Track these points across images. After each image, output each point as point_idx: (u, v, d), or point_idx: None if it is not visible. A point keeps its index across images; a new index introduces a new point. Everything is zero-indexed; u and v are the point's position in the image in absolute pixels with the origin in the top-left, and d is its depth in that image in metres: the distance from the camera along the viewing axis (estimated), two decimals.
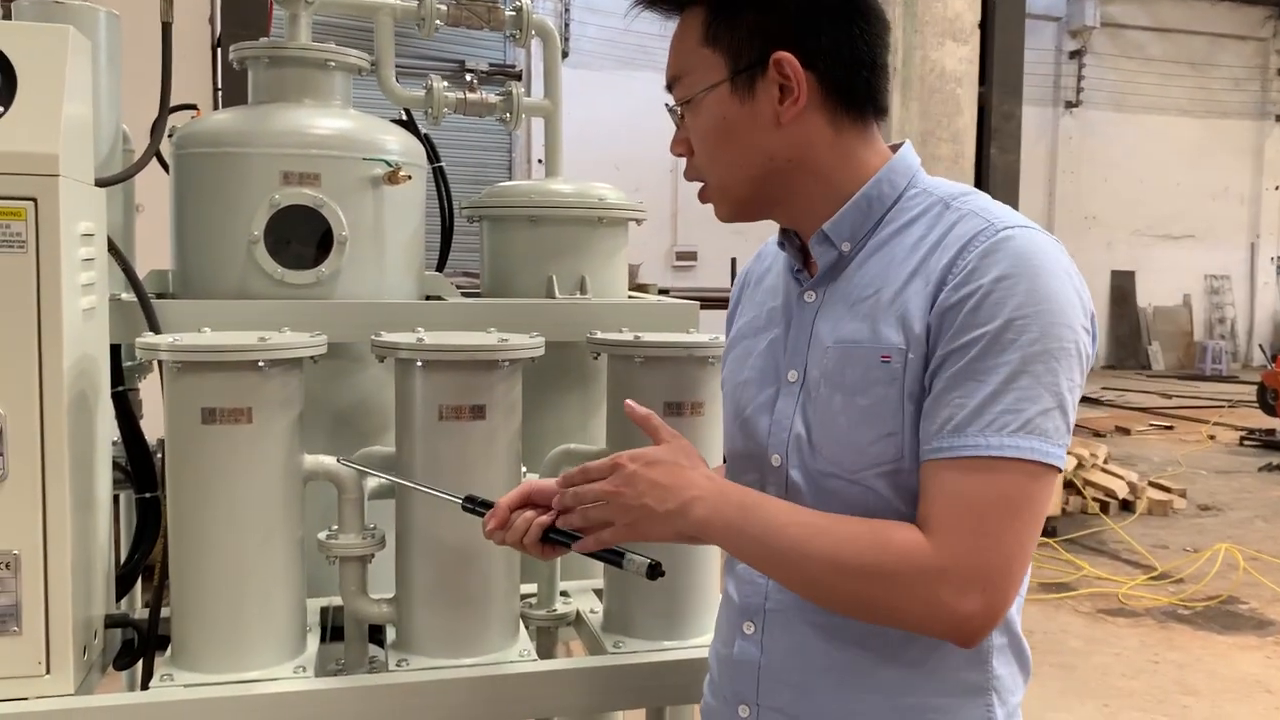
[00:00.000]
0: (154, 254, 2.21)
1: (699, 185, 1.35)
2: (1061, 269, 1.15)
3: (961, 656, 1.22)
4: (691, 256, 12.65)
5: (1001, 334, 1.11)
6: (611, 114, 11.60)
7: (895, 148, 1.32)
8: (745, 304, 1.46)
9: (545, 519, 1.37)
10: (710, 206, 1.37)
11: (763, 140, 1.25)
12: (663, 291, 6.67)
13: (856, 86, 1.25)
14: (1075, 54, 16.25)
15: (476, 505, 1.45)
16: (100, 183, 1.75)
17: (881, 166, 1.28)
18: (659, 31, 1.38)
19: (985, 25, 7.45)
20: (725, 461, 1.56)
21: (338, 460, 1.71)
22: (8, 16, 1.99)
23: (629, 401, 1.39)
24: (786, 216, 1.33)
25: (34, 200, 1.48)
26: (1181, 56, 16.95)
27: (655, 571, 1.30)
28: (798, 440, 1.26)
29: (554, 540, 1.37)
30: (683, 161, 1.35)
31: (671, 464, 1.26)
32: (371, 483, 1.79)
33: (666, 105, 1.33)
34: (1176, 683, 4.81)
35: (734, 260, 11.41)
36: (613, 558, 1.33)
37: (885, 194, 1.27)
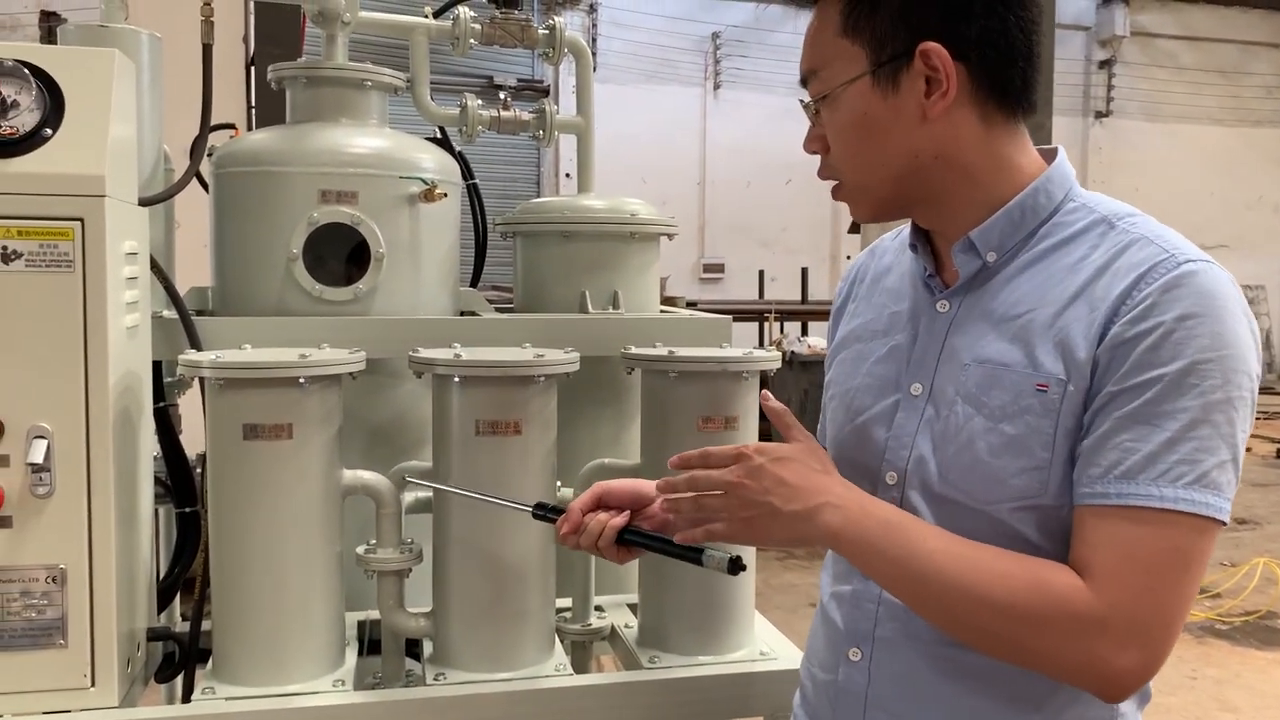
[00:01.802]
0: (189, 270, 2.24)
1: (826, 184, 1.26)
2: (1241, 309, 1.09)
3: (1086, 697, 1.14)
4: (719, 269, 12.65)
5: (1183, 378, 1.05)
6: (638, 127, 11.64)
7: (1047, 153, 1.24)
8: (860, 302, 1.39)
9: (619, 520, 1.34)
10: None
11: (907, 137, 1.17)
12: (690, 304, 6.69)
13: (1011, 80, 1.17)
14: (1105, 63, 16.14)
15: (547, 512, 1.45)
16: (144, 202, 1.78)
17: (1035, 172, 1.20)
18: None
19: None
20: None
21: (405, 478, 1.71)
22: (51, 39, 2.03)
23: (764, 393, 1.30)
24: (927, 217, 1.25)
25: (81, 220, 1.51)
26: (1213, 65, 16.80)
27: (736, 566, 1.26)
28: (920, 461, 1.19)
29: (629, 541, 1.34)
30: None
31: (803, 463, 1.17)
32: (408, 497, 1.80)
33: (801, 101, 1.25)
34: (1215, 699, 4.74)
35: (761, 272, 11.41)
36: (691, 555, 1.28)
37: (1041, 205, 1.19)
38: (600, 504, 1.37)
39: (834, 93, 1.20)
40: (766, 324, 9.56)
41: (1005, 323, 1.17)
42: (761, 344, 9.01)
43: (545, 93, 10.58)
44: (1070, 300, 1.13)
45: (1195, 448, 1.04)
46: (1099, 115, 16.61)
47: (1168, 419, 1.05)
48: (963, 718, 1.19)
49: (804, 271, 10.78)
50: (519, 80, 11.09)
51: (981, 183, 1.20)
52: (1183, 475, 1.04)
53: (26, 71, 1.51)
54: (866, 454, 1.26)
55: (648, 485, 1.42)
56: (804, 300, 10.45)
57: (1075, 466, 1.10)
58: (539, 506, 1.46)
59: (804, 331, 9.72)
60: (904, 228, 1.37)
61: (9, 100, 1.50)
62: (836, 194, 1.27)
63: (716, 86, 12.67)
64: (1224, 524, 1.06)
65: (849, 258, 12.40)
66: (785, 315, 9.84)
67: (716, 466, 1.20)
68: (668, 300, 4.06)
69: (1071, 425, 1.10)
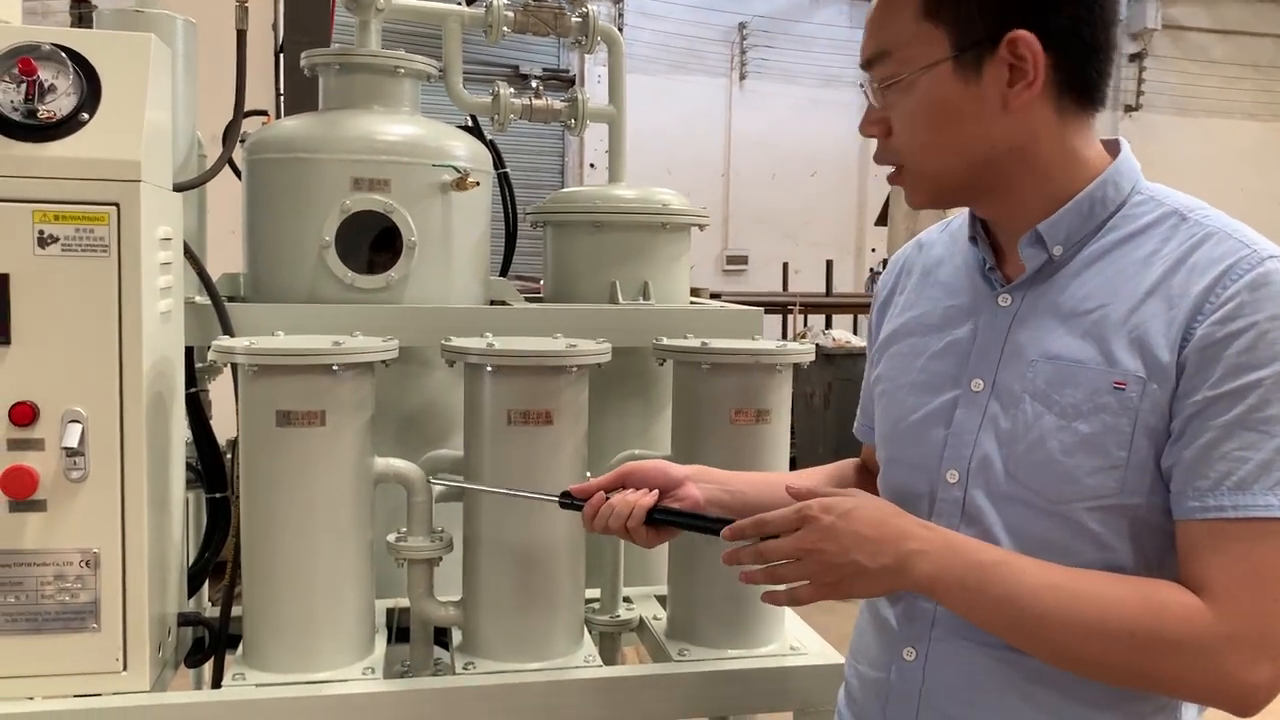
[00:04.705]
0: (218, 256, 2.24)
1: (886, 170, 1.23)
2: None
3: (1151, 702, 1.13)
4: (742, 261, 12.60)
5: None
6: (664, 118, 11.59)
7: (1110, 145, 1.21)
8: (910, 295, 1.35)
9: (648, 500, 1.31)
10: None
11: (985, 126, 1.14)
12: (714, 296, 6.67)
13: (1090, 73, 1.15)
14: (1135, 57, 15.95)
15: (574, 500, 1.43)
16: (178, 188, 1.78)
17: (1102, 165, 1.18)
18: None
19: None
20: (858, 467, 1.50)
21: (429, 479, 1.72)
22: (83, 24, 2.03)
23: (788, 485, 1.25)
24: (989, 208, 1.23)
25: (116, 205, 1.51)
26: (1246, 59, 16.57)
27: None
28: (984, 460, 1.16)
29: (660, 521, 1.32)
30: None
31: (873, 511, 1.13)
32: (438, 486, 1.80)
33: (862, 84, 1.22)
34: None
35: (785, 265, 11.36)
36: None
37: (1110, 197, 1.16)
38: (625, 485, 1.35)
39: (909, 77, 1.15)
40: (790, 316, 9.51)
41: (1075, 318, 1.14)
42: (785, 336, 8.97)
43: (571, 82, 10.57)
44: (1145, 295, 1.10)
45: None
46: (1129, 109, 16.42)
47: (1276, 424, 1.02)
48: (1023, 718, 1.16)
49: (828, 264, 10.72)
50: (544, 70, 11.08)
51: (1050, 176, 1.17)
52: None
53: (64, 55, 1.51)
54: (923, 452, 1.23)
55: (676, 467, 1.40)
56: (828, 293, 10.39)
57: (1173, 478, 1.07)
58: (565, 495, 1.44)
59: (828, 324, 9.67)
60: (953, 219, 1.34)
61: (46, 84, 1.50)
62: (895, 179, 1.23)
63: (742, 77, 12.61)
64: None
65: (874, 250, 12.30)
66: (809, 308, 9.79)
67: (777, 532, 1.16)
68: (692, 292, 4.03)
69: (1154, 424, 1.07)
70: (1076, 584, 1.07)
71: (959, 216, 1.32)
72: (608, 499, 1.38)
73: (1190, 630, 1.02)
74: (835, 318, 10.15)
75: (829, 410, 7.16)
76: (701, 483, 1.41)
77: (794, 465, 2.09)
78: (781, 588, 1.20)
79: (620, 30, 12.16)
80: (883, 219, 9.65)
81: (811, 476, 1.51)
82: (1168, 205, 1.16)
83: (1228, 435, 1.03)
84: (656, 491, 1.36)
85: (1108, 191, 1.17)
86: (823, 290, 10.53)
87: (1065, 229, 1.17)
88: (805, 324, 9.61)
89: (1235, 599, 1.02)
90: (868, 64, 1.20)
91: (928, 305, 1.30)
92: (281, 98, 4.77)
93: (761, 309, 2.25)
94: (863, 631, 1.36)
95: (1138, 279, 1.12)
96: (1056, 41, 1.12)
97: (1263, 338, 1.03)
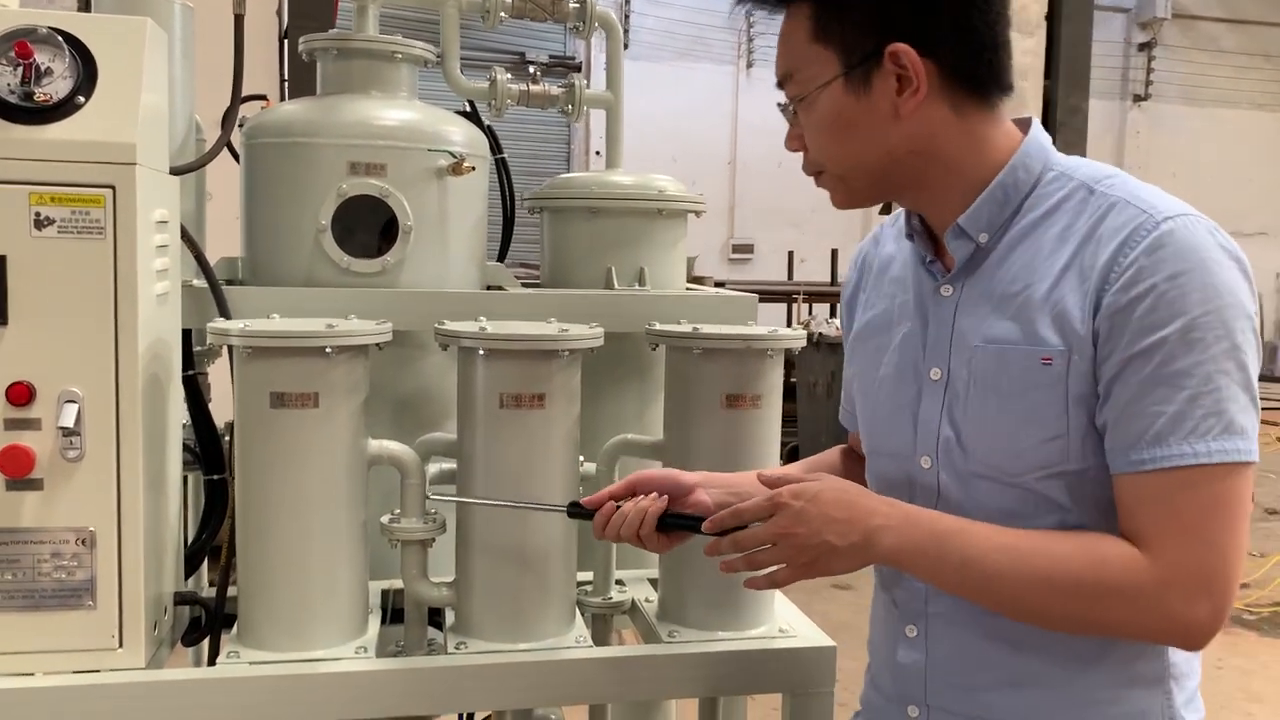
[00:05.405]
0: (224, 242, 2.26)
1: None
2: (1227, 255, 1.12)
3: (1136, 648, 1.20)
4: (748, 249, 12.58)
5: (1186, 334, 1.08)
6: (670, 106, 11.57)
7: (1021, 123, 1.25)
8: (871, 292, 1.41)
9: (659, 506, 1.35)
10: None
11: (881, 134, 1.21)
12: (719, 284, 6.67)
13: (979, 70, 1.20)
14: (1144, 46, 15.87)
15: (583, 510, 1.45)
16: (175, 171, 1.79)
17: (1012, 149, 1.23)
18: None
19: (1052, 17, 7.34)
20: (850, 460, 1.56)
21: (429, 496, 1.75)
22: (87, 8, 2.04)
23: (759, 474, 1.31)
24: (913, 202, 1.29)
25: (112, 188, 1.52)
26: (1256, 48, 16.47)
27: None
28: (947, 443, 1.23)
29: (672, 526, 1.35)
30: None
31: (838, 493, 1.19)
32: (433, 469, 1.82)
33: (779, 104, 1.29)
34: (1241, 689, 4.71)
35: (790, 253, 11.36)
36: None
37: (1021, 180, 1.22)
38: (635, 493, 1.38)
39: (809, 95, 1.23)
40: (795, 305, 9.51)
41: (1005, 301, 1.20)
42: (789, 325, 8.97)
43: (577, 69, 10.55)
44: (1062, 271, 1.16)
45: (1216, 399, 1.08)
46: (1137, 99, 16.34)
47: (1184, 377, 1.08)
48: (1020, 681, 1.23)
49: (833, 253, 10.71)
50: (550, 57, 11.06)
51: (961, 168, 1.22)
52: (1210, 429, 1.08)
53: (60, 39, 1.52)
54: (898, 442, 1.29)
55: (686, 475, 1.44)
56: (833, 282, 10.39)
57: (1106, 438, 1.13)
58: (573, 505, 1.46)
59: (832, 313, 9.67)
60: (902, 214, 1.38)
61: (42, 68, 1.51)
62: (819, 182, 1.31)
63: (749, 65, 12.57)
64: (1256, 463, 1.11)
65: None
66: (814, 296, 9.79)
67: (752, 520, 1.22)
68: (696, 280, 4.04)
69: (1083, 391, 1.13)
70: (1026, 544, 1.14)
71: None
72: (618, 508, 1.41)
73: (1130, 579, 1.09)
74: (839, 307, 10.17)
75: (831, 399, 7.16)
76: (710, 488, 1.45)
77: (796, 454, 2.11)
78: (762, 573, 1.24)
79: (626, 17, 12.14)
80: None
81: (795, 466, 1.56)
82: (1076, 179, 1.21)
83: (1143, 393, 1.10)
84: (666, 498, 1.38)
85: (1018, 175, 1.22)
86: (828, 279, 10.52)
87: (985, 218, 1.22)
88: (810, 312, 9.62)
89: (1165, 546, 1.09)
90: (779, 85, 1.28)
91: (885, 302, 1.37)
92: (286, 84, 4.79)
93: (757, 296, 2.25)
94: (875, 617, 1.42)
95: (1054, 256, 1.17)
96: (939, 48, 1.17)
97: (1162, 298, 1.09)
